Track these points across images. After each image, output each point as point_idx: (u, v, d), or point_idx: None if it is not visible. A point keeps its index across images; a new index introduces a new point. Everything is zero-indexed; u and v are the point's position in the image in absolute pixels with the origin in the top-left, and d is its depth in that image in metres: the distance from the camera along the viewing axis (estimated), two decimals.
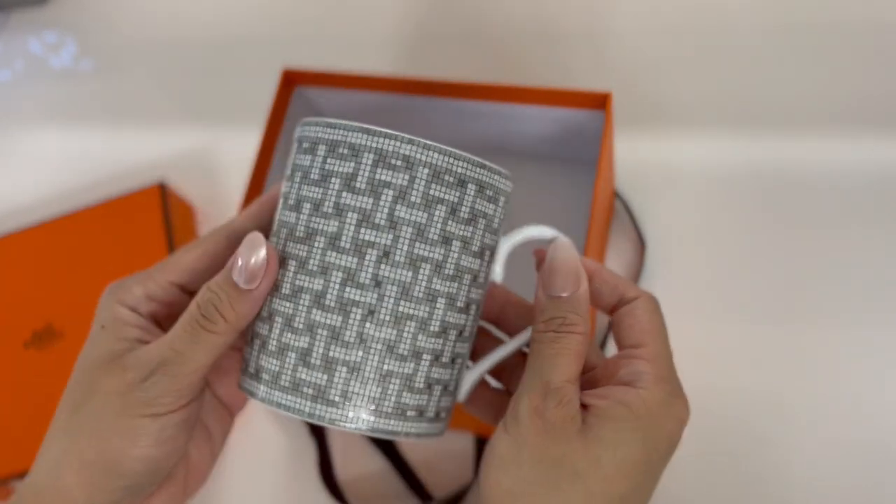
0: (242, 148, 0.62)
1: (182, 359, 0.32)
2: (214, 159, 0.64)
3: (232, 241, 0.36)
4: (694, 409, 0.48)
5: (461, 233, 0.32)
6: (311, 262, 0.31)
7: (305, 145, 0.33)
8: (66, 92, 0.71)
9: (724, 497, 0.46)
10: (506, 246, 0.34)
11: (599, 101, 0.45)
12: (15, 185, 0.68)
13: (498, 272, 0.34)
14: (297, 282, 0.31)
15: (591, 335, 0.35)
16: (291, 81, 0.50)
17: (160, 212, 0.58)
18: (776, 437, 0.47)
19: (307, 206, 0.32)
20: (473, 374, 0.35)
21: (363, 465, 0.52)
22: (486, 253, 0.33)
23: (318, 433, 0.52)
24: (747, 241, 0.52)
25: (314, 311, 0.31)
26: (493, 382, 0.37)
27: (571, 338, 0.31)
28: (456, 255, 0.32)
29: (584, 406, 0.31)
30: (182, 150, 0.65)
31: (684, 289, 0.51)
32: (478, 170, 0.32)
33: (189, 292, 0.36)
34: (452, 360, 0.33)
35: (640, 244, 0.52)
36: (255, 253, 0.31)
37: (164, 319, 0.36)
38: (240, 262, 0.31)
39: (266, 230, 0.36)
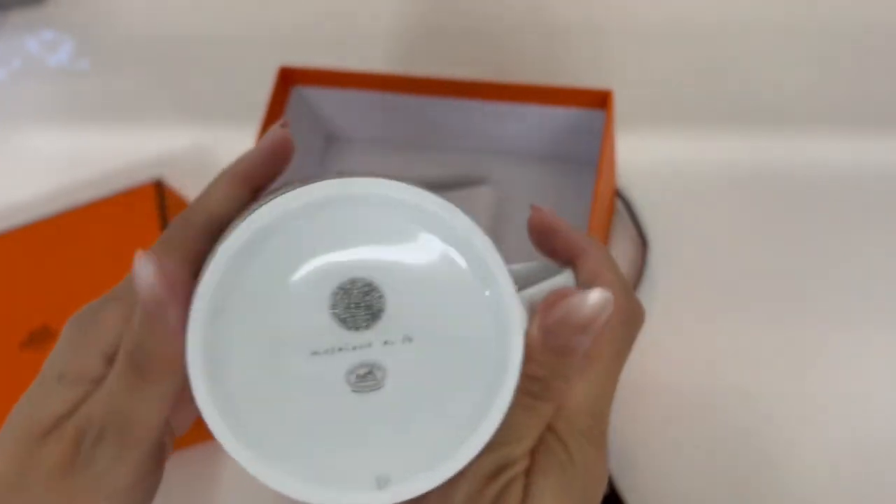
0: (239, 146, 0.62)
1: (125, 420, 0.25)
2: (211, 157, 0.63)
3: (214, 232, 0.27)
4: (696, 410, 0.47)
5: None
6: None
7: None
8: (63, 90, 0.70)
9: (724, 497, 0.46)
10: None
11: (600, 100, 0.45)
12: (11, 182, 0.67)
13: None
14: None
15: None
16: (288, 79, 0.50)
17: (156, 210, 0.58)
18: (777, 438, 0.47)
19: None
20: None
21: None
22: None
23: None
24: (750, 240, 0.51)
25: None
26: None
27: (546, 408, 0.26)
28: None
29: None
30: (179, 148, 0.65)
31: (686, 288, 0.51)
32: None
33: None
34: None
35: (643, 244, 0.52)
36: (142, 269, 0.24)
37: None
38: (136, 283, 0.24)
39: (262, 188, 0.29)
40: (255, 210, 0.25)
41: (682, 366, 0.49)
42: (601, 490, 0.27)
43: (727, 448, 0.47)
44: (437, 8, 0.65)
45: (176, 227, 0.27)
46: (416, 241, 0.25)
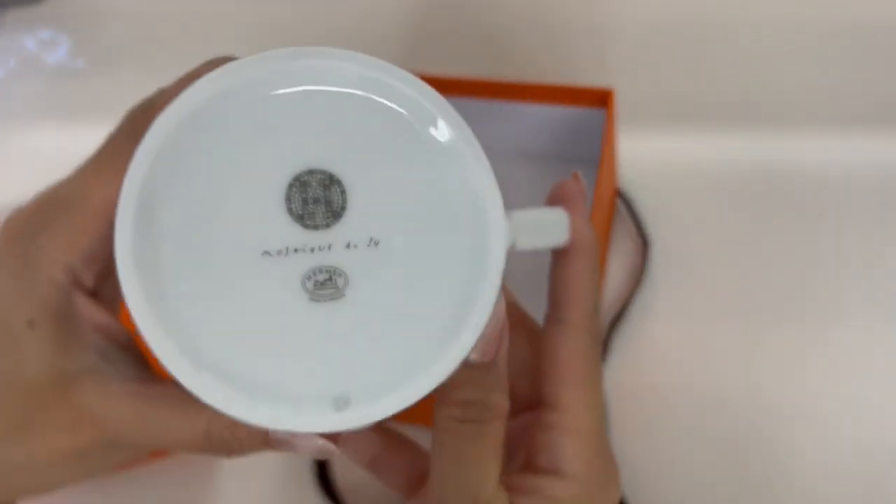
0: None
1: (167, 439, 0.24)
2: None
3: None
4: (697, 411, 0.47)
5: None
6: None
7: None
8: (61, 89, 0.70)
9: (725, 497, 0.46)
10: None
11: (601, 99, 0.45)
12: (8, 182, 0.67)
13: None
14: None
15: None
16: None
17: None
18: (780, 438, 0.47)
19: None
20: None
21: (363, 470, 0.51)
22: None
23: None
24: (753, 240, 0.51)
25: None
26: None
27: (496, 426, 0.24)
28: None
29: None
30: None
31: (688, 289, 0.51)
32: None
33: None
34: None
35: (644, 244, 0.51)
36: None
37: (101, 286, 0.25)
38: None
39: None
40: (193, 85, 0.21)
41: (683, 366, 0.48)
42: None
43: (729, 448, 0.47)
44: (436, 7, 0.64)
45: (132, 134, 0.23)
46: (386, 126, 0.22)
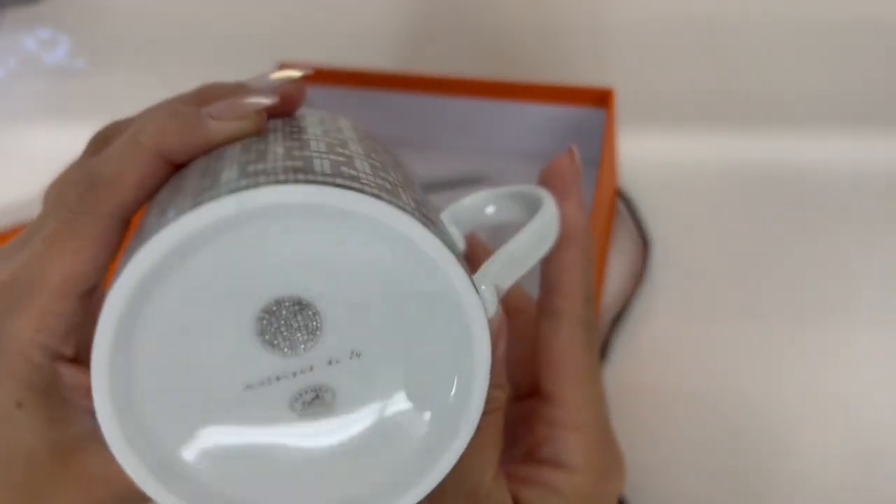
0: None
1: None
2: None
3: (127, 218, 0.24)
4: (697, 410, 0.47)
5: None
6: None
7: None
8: (60, 89, 0.70)
9: (725, 497, 0.46)
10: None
11: (601, 98, 0.44)
12: (7, 182, 0.67)
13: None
14: None
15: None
16: None
17: None
18: (779, 439, 0.46)
19: None
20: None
21: None
22: None
23: None
24: (753, 240, 0.51)
25: None
26: None
27: (493, 418, 0.24)
28: None
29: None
30: None
31: (688, 288, 0.50)
32: None
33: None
34: None
35: (644, 243, 0.51)
36: None
37: (83, 349, 0.25)
38: None
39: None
40: (149, 239, 0.20)
41: (683, 365, 0.48)
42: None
43: (729, 449, 0.47)
44: (436, 6, 0.64)
45: (84, 212, 0.23)
46: (349, 243, 0.21)
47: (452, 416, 0.22)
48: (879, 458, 0.45)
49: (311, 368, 0.22)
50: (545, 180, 0.27)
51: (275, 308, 0.21)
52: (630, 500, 0.45)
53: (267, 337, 0.22)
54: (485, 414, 0.23)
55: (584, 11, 0.61)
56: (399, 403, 0.22)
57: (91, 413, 0.22)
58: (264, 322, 0.21)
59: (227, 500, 0.22)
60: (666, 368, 0.48)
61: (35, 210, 0.59)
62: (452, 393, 0.22)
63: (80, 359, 0.24)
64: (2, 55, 0.73)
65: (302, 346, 0.22)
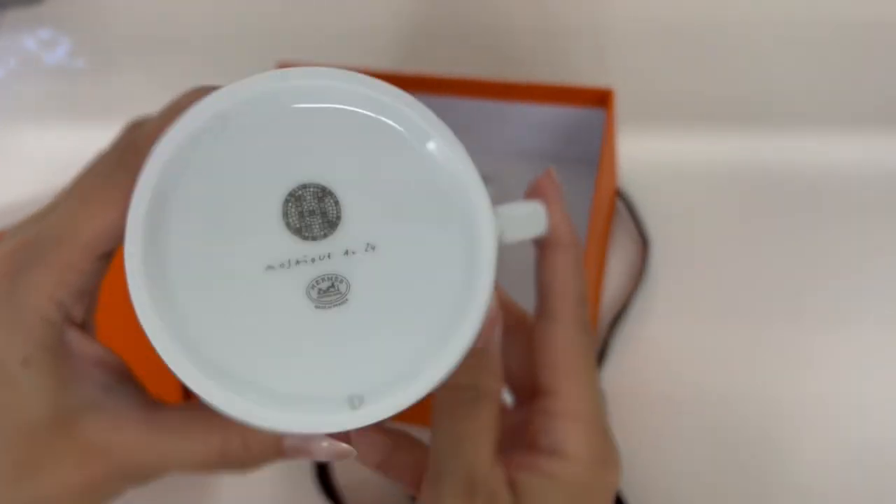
0: None
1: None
2: None
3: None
4: (697, 411, 0.47)
5: None
6: None
7: None
8: (61, 89, 0.70)
9: (724, 496, 0.46)
10: None
11: (601, 98, 0.44)
12: (7, 182, 0.67)
13: None
14: None
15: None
16: None
17: None
18: (779, 439, 0.46)
19: None
20: None
21: (363, 470, 0.51)
22: None
23: None
24: (753, 240, 0.51)
25: None
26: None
27: (489, 406, 0.25)
28: None
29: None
30: None
31: (688, 289, 0.50)
32: None
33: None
34: None
35: (644, 244, 0.51)
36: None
37: (88, 320, 0.25)
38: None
39: None
40: (184, 115, 0.22)
41: (683, 365, 0.48)
42: (605, 497, 0.26)
43: (729, 448, 0.47)
44: (436, 6, 0.64)
45: (121, 167, 0.24)
46: (375, 136, 0.23)
47: (457, 313, 0.24)
48: (880, 458, 0.45)
49: (329, 256, 0.23)
50: (529, 196, 0.29)
51: (300, 192, 0.23)
52: (629, 499, 0.45)
53: (290, 220, 0.23)
54: (479, 402, 0.24)
55: (584, 11, 0.61)
56: (409, 297, 0.24)
57: (94, 381, 0.23)
58: (289, 205, 0.23)
59: (230, 374, 0.23)
60: (665, 368, 0.48)
61: (34, 209, 0.59)
62: (459, 290, 0.24)
63: (86, 327, 0.25)
64: (2, 55, 0.73)
65: (321, 233, 0.23)
